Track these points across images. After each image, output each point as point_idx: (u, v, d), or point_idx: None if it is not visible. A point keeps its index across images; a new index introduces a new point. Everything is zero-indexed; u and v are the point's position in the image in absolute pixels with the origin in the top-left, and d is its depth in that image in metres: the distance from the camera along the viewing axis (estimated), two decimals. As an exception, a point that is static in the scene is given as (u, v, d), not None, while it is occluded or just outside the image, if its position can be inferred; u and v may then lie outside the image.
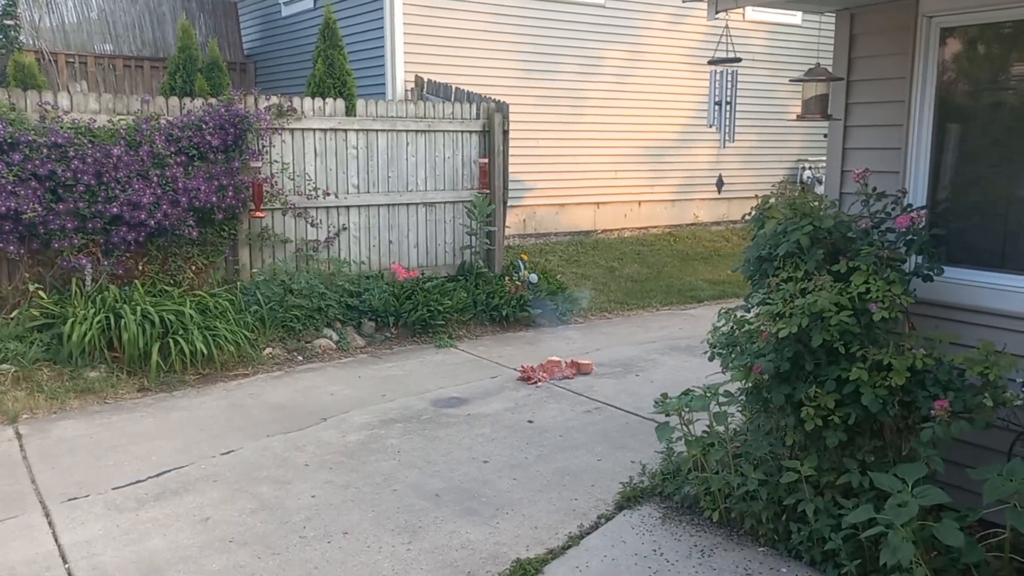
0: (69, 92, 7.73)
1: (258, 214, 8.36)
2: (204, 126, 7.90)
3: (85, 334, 7.01)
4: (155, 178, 7.58)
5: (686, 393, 4.82)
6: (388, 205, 9.45)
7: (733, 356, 4.51)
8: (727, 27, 4.96)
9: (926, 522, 3.55)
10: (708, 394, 4.69)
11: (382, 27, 11.25)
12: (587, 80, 12.79)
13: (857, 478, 4.01)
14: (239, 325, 7.67)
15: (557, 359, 7.63)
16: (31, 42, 12.23)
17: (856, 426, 4.08)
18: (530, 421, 6.35)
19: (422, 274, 9.39)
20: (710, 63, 5.18)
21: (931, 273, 4.24)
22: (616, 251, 12.69)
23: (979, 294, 4.35)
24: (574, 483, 5.24)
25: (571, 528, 4.64)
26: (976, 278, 4.39)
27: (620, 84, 13.10)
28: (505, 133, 10.03)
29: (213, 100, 8.28)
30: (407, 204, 9.58)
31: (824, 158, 5.46)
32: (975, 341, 4.04)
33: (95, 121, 7.50)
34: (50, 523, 4.65)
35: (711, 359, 4.72)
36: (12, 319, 7.21)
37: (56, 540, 4.46)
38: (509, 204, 10.66)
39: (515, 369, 7.62)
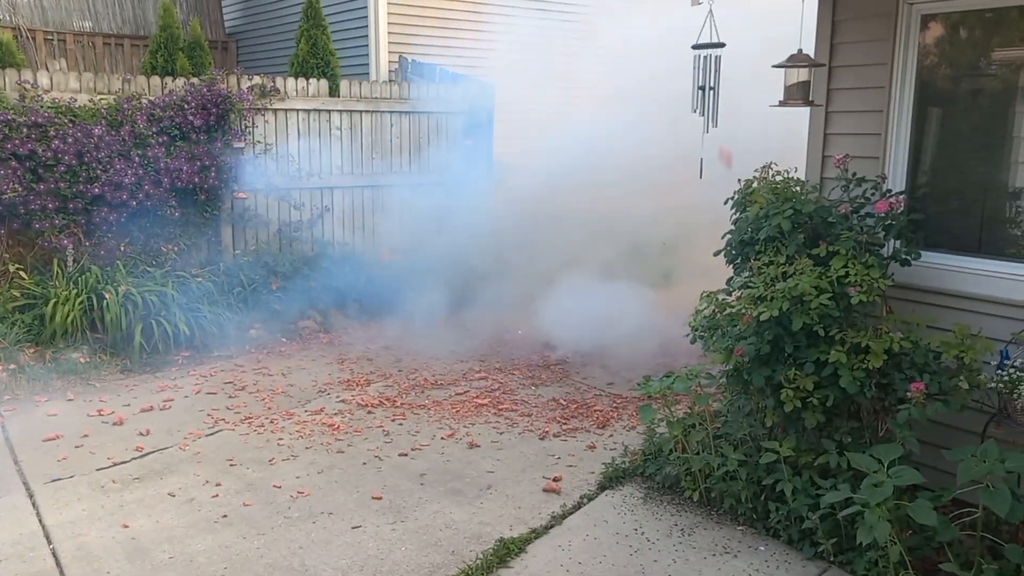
0: (48, 70, 7.64)
1: (240, 195, 8.33)
2: (186, 106, 7.84)
3: (68, 315, 6.98)
4: (137, 158, 7.53)
5: (668, 375, 4.88)
6: (372, 187, 9.42)
7: (714, 339, 4.57)
8: (711, 12, 4.95)
9: (901, 501, 3.63)
10: (690, 376, 4.75)
11: (366, 6, 11.12)
12: (576, 61, 12.69)
13: (835, 458, 4.09)
14: (222, 306, 7.65)
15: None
16: (8, 18, 12.04)
17: (834, 408, 4.16)
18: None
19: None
20: (693, 48, 5.16)
21: (908, 257, 4.30)
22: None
23: (956, 278, 4.42)
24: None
25: (553, 508, 4.70)
26: (953, 262, 4.45)
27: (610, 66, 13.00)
28: (490, 114, 9.99)
29: (195, 80, 8.21)
30: (391, 186, 9.56)
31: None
32: (951, 324, 4.12)
33: (76, 100, 7.43)
34: (34, 504, 4.66)
35: (692, 341, 4.77)
36: (-7, 300, 7.16)
37: (40, 521, 4.47)
38: (495, 186, 10.62)
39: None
